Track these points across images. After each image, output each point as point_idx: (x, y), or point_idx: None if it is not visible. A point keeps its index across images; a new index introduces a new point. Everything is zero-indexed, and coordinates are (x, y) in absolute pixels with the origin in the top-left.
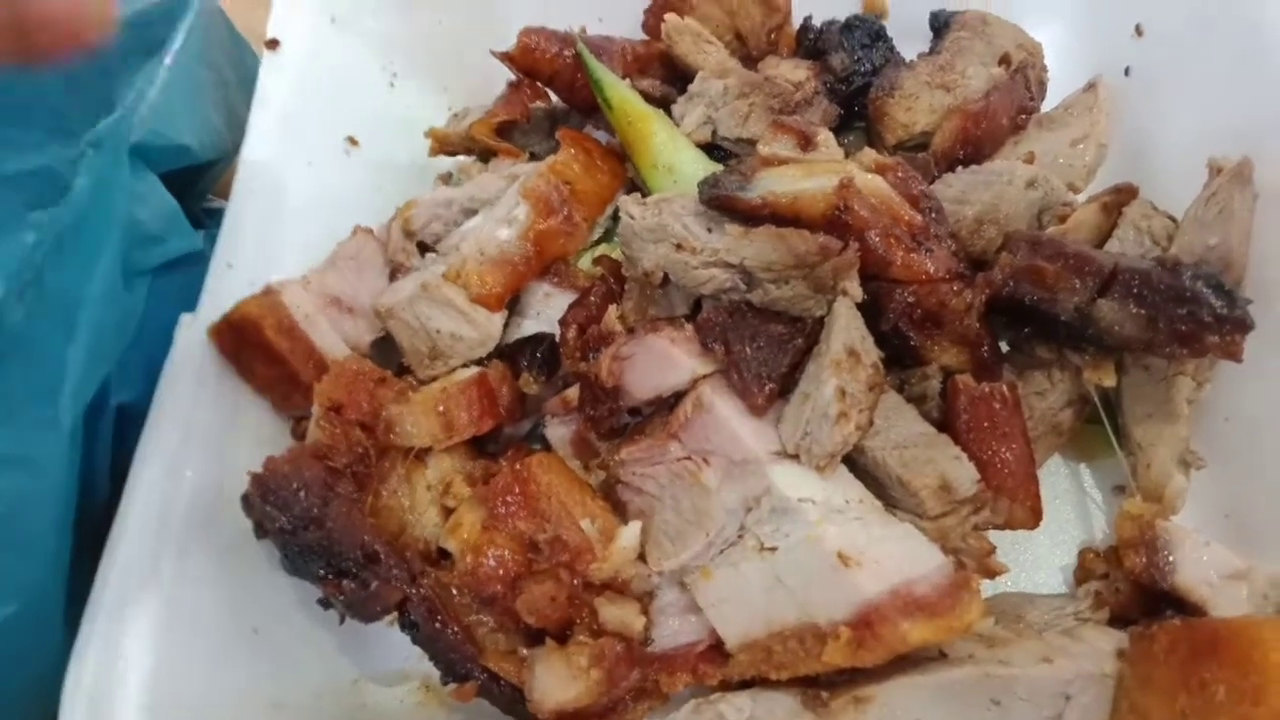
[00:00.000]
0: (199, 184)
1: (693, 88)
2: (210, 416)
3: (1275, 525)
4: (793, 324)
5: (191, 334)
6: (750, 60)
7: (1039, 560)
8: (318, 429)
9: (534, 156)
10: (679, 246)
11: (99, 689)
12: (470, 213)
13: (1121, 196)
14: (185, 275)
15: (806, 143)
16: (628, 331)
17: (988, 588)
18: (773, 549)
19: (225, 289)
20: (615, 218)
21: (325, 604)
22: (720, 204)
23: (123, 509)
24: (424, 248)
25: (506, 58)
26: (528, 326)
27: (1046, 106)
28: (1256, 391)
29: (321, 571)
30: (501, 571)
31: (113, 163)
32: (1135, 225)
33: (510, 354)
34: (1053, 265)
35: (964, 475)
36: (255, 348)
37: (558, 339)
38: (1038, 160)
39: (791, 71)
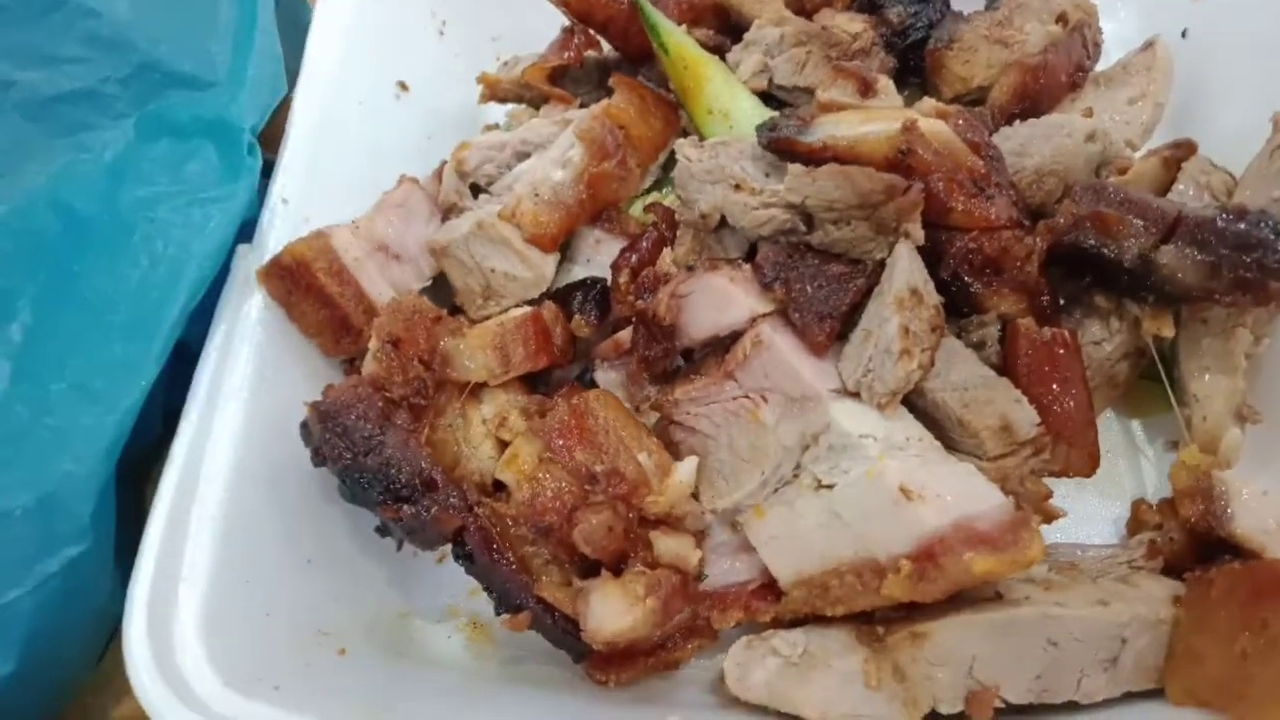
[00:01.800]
0: None
1: (749, 35)
2: (266, 347)
3: None
4: (853, 265)
5: (248, 264)
6: (805, 13)
7: (1091, 513)
8: (375, 362)
9: (584, 106)
10: (737, 187)
11: (157, 612)
12: (523, 155)
13: (1181, 151)
14: None
15: (866, 89)
16: (686, 271)
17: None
18: (830, 486)
19: (280, 222)
20: (666, 167)
21: (383, 531)
22: (780, 147)
23: (180, 435)
24: (476, 190)
25: (562, 2)
26: (578, 272)
27: (1101, 70)
28: None
29: (380, 498)
30: (558, 502)
31: (237, 150)
32: (1195, 180)
33: (561, 298)
34: (1116, 212)
35: (1024, 417)
36: (305, 290)
37: (609, 283)
38: (1095, 117)
39: (848, 23)
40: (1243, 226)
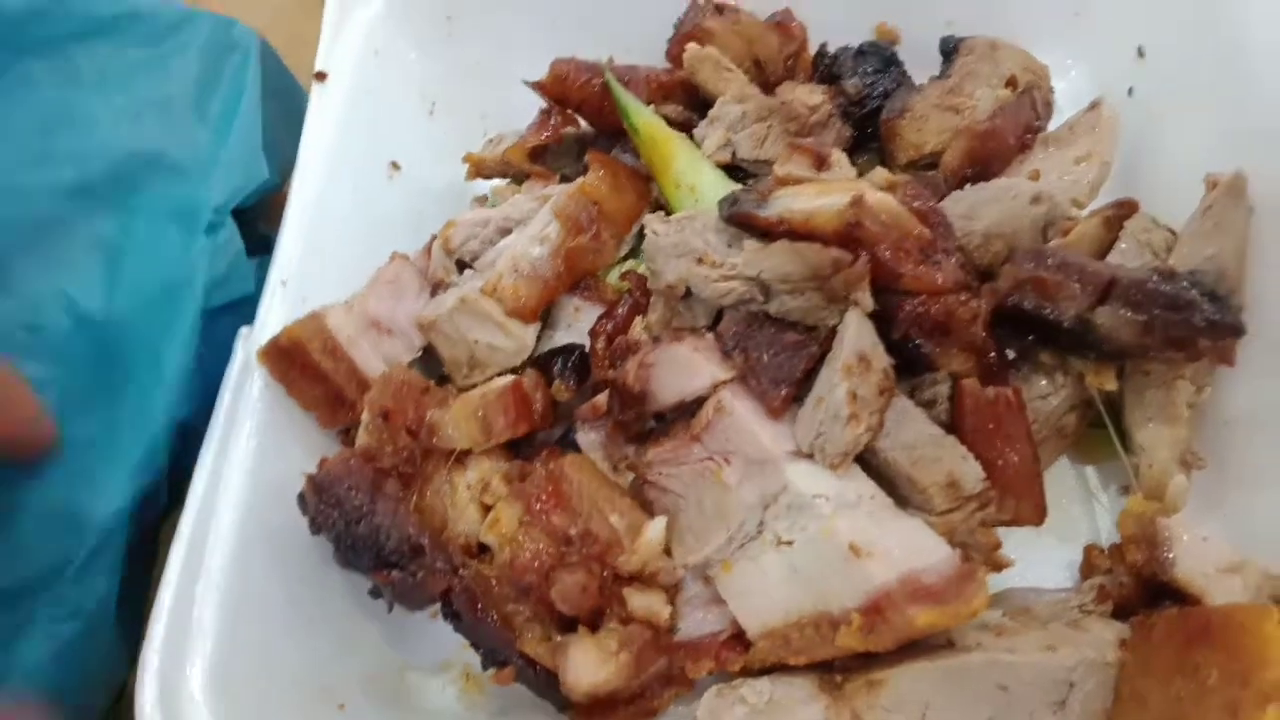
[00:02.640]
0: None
1: (713, 112)
2: (268, 422)
3: (1270, 523)
4: (807, 332)
5: (249, 345)
6: (768, 86)
7: (1046, 558)
8: (366, 434)
9: (564, 178)
10: (700, 260)
11: (168, 671)
12: (505, 231)
13: (1123, 210)
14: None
15: (821, 163)
16: (653, 341)
17: (996, 582)
18: (789, 542)
19: (279, 304)
20: (641, 235)
21: (376, 593)
22: (739, 221)
23: (188, 507)
24: (462, 265)
25: (539, 86)
26: (559, 338)
27: (1051, 130)
28: (1255, 395)
29: (372, 563)
30: (537, 563)
31: (195, 229)
32: (1136, 238)
33: (543, 363)
34: (1054, 276)
35: (970, 473)
36: (301, 369)
37: (588, 349)
38: (1043, 177)
39: (807, 95)
40: (1170, 288)
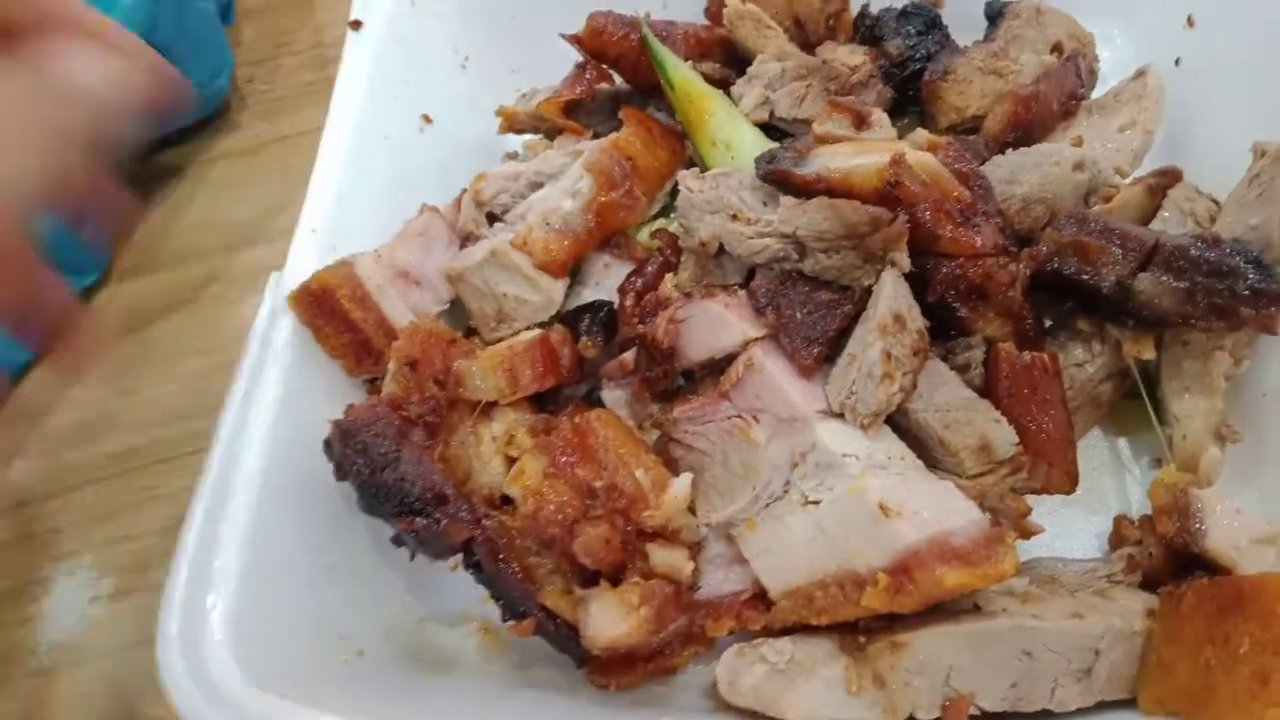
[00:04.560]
0: None
1: (752, 69)
2: (295, 368)
3: None
4: (841, 292)
5: (278, 291)
6: (808, 46)
7: (1075, 528)
8: (393, 382)
9: (596, 135)
10: (734, 217)
11: (189, 617)
12: (536, 185)
13: (1166, 179)
14: None
15: (861, 122)
16: (684, 297)
17: (1024, 550)
18: (816, 502)
19: (309, 251)
20: (673, 194)
21: (398, 541)
22: (776, 178)
23: (213, 450)
24: (492, 218)
25: (575, 40)
26: (587, 294)
27: (1095, 98)
28: None
29: (395, 510)
30: (560, 516)
31: None
32: (1179, 207)
33: (570, 320)
34: (1095, 240)
35: (1003, 437)
36: (331, 315)
37: (616, 306)
38: (1086, 144)
39: (848, 56)
40: (1214, 255)
